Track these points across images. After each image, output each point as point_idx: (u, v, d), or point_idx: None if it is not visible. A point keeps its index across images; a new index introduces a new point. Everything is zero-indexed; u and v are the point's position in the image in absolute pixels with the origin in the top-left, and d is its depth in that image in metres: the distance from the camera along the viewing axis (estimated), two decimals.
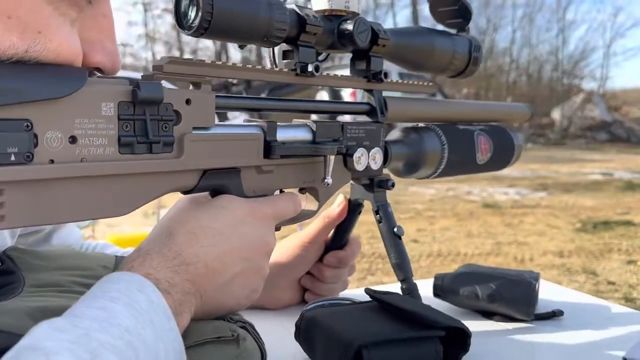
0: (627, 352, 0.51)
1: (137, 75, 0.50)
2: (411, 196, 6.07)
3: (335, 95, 12.03)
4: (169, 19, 17.58)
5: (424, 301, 0.69)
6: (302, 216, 0.61)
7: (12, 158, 0.39)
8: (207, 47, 18.61)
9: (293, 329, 0.64)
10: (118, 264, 0.59)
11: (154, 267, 0.44)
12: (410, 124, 0.78)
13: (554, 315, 0.74)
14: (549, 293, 0.84)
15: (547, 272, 3.43)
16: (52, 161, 0.41)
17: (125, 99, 0.45)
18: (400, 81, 0.71)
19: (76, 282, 0.54)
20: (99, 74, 0.47)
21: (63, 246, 0.73)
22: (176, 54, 18.39)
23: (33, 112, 0.40)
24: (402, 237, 0.70)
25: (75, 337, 0.33)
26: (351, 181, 0.69)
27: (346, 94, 12.26)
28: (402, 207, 5.37)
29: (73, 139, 0.42)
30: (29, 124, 0.40)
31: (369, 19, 0.64)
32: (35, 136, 0.40)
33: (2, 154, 0.38)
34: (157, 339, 0.38)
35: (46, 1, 0.40)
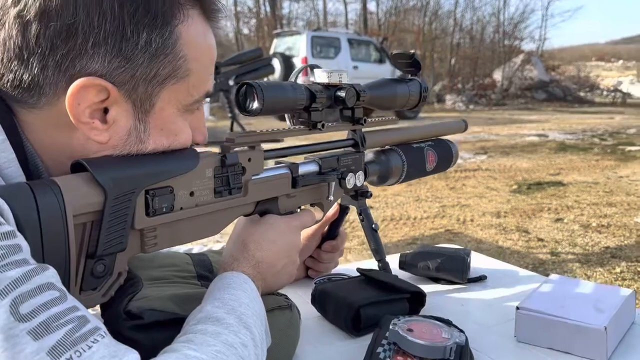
0: (520, 303, 0.84)
1: None
2: None
3: (287, 60, 12.17)
4: None
5: (394, 272, 1.01)
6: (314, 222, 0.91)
7: (164, 210, 0.67)
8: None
9: (305, 297, 0.94)
10: (194, 260, 0.88)
11: (244, 267, 0.73)
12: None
13: (480, 279, 1.08)
14: (479, 263, 1.17)
15: (486, 231, 3.87)
16: (181, 208, 0.69)
17: (218, 164, 0.73)
18: (372, 120, 1.00)
19: (174, 275, 0.83)
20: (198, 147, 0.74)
21: None
22: None
23: (173, 182, 0.68)
24: (378, 230, 1.01)
25: (228, 309, 0.62)
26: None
27: (297, 61, 12.42)
28: None
29: (192, 193, 0.70)
30: (172, 189, 0.68)
31: None
32: (174, 195, 0.68)
33: (159, 208, 0.66)
34: (259, 308, 0.67)
35: (179, 116, 0.67)
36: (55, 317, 0.49)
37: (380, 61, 13.48)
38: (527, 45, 22.65)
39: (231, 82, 3.05)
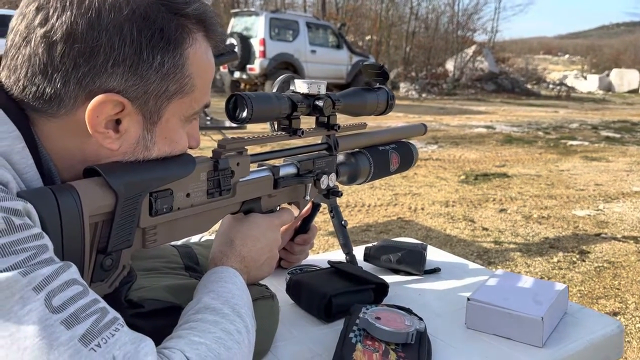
0: (471, 295, 0.96)
1: None
2: None
3: (244, 41, 12.07)
4: None
5: (359, 264, 1.12)
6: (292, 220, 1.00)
7: (164, 210, 0.74)
8: None
9: (279, 286, 1.04)
10: (181, 252, 0.96)
11: (232, 262, 0.82)
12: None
13: (434, 271, 1.20)
14: (433, 255, 1.30)
15: (435, 219, 4.05)
16: (179, 208, 0.77)
17: (211, 169, 0.81)
18: (344, 126, 1.09)
19: (164, 266, 0.90)
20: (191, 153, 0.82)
21: None
22: None
23: (173, 185, 0.75)
24: (347, 226, 1.11)
25: (222, 300, 0.71)
26: None
27: (255, 42, 12.33)
28: None
29: (188, 195, 0.78)
30: (171, 191, 0.75)
31: None
32: (173, 197, 0.75)
33: (161, 209, 0.74)
34: (247, 299, 0.76)
35: (181, 126, 0.75)
36: (82, 309, 0.56)
37: (338, 46, 13.57)
38: (479, 37, 23.24)
39: None
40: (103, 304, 0.59)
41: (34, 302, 0.53)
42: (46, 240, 0.58)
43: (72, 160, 0.69)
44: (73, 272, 0.58)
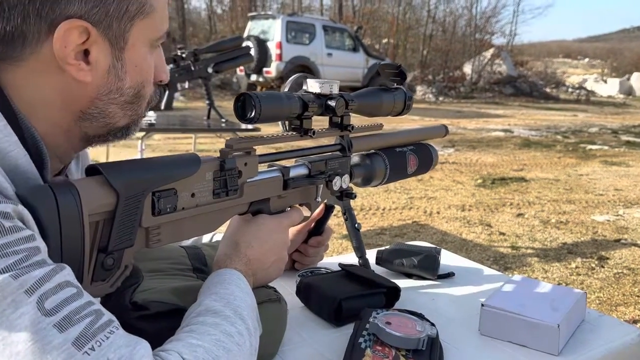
0: (485, 300, 0.93)
1: None
2: None
3: (261, 44, 12.12)
4: None
5: (371, 268, 1.10)
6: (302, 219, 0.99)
7: (168, 210, 0.73)
8: None
9: (289, 288, 1.02)
10: (189, 253, 0.94)
11: (237, 264, 0.80)
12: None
13: (448, 275, 1.17)
14: (448, 260, 1.27)
15: (451, 223, 4.01)
16: (183, 208, 0.76)
17: (217, 169, 0.79)
18: (359, 127, 1.08)
19: (170, 267, 0.89)
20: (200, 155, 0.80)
21: None
22: None
23: (177, 184, 0.74)
24: (360, 230, 1.10)
25: (224, 303, 0.69)
26: None
27: (272, 45, 12.37)
28: None
29: (193, 195, 0.77)
30: (176, 191, 0.74)
31: None
32: (177, 197, 0.74)
33: (164, 208, 0.72)
34: (251, 301, 0.75)
35: (147, 51, 0.72)
36: (76, 311, 0.55)
37: (354, 49, 13.57)
38: (498, 40, 23.06)
39: (210, 70, 3.07)
40: (98, 306, 0.58)
41: (26, 305, 0.52)
42: (38, 242, 0.57)
43: (48, 110, 0.67)
44: (66, 274, 0.57)
